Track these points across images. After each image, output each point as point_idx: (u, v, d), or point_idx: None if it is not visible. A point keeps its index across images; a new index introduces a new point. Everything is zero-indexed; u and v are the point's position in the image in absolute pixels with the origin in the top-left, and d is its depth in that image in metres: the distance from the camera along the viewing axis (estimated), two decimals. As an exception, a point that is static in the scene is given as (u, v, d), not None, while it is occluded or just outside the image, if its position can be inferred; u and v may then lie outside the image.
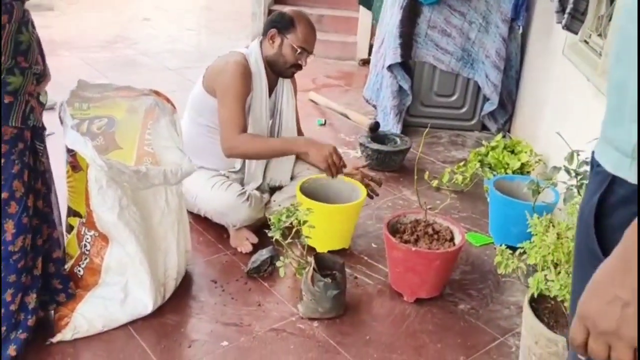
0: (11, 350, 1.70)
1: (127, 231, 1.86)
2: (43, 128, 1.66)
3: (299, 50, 2.32)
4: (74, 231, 1.98)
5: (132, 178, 1.82)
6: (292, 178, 2.57)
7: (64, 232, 1.96)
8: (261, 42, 2.39)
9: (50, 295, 1.84)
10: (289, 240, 1.91)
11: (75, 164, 1.91)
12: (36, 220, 1.69)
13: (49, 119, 3.46)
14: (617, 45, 0.82)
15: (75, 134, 1.80)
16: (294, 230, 1.89)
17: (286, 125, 2.53)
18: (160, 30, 6.01)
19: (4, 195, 1.56)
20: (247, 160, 2.44)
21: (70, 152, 1.91)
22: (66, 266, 1.96)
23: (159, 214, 2.00)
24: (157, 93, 2.09)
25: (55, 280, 1.83)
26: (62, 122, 1.87)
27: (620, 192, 0.79)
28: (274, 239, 1.89)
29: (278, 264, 1.91)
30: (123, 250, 1.92)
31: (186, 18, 6.72)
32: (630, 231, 0.73)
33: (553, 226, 1.80)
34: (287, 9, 2.45)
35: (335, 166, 2.29)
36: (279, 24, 2.33)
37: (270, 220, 1.94)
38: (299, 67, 2.38)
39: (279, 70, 2.40)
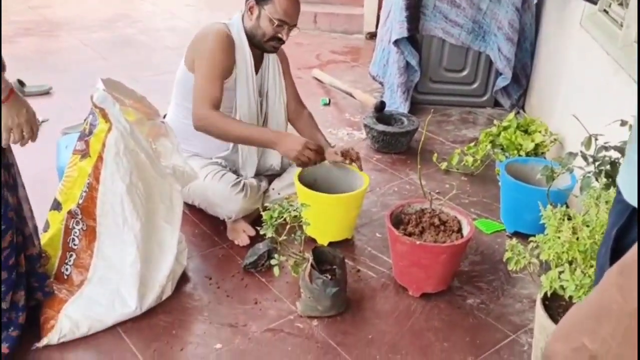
0: (4, 348, 1.67)
1: (130, 208, 1.80)
2: None
3: (276, 23, 2.12)
4: (60, 227, 1.88)
5: (147, 152, 1.82)
6: (290, 163, 2.44)
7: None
8: (243, 15, 2.22)
9: (29, 294, 1.77)
10: (283, 237, 1.79)
11: (85, 150, 1.83)
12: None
13: (43, 105, 3.41)
14: None
15: (104, 93, 1.77)
16: (287, 227, 1.77)
17: (272, 106, 2.35)
18: (161, 7, 5.84)
19: None
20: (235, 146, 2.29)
21: (84, 138, 1.84)
22: (49, 267, 1.88)
23: (164, 210, 1.93)
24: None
25: (32, 278, 1.76)
26: (95, 100, 1.79)
27: None
28: (266, 236, 1.76)
29: (272, 262, 1.79)
30: (116, 241, 1.84)
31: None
32: (609, 276, 0.61)
33: (569, 218, 1.65)
34: None
35: (310, 162, 2.12)
36: None
37: (263, 214, 1.81)
38: (279, 40, 2.18)
39: (259, 44, 2.20)
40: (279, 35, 2.15)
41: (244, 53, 2.20)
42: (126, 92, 1.94)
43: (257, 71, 2.29)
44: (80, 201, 1.82)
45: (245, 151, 2.31)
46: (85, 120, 1.88)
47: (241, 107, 2.24)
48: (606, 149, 1.78)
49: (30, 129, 1.53)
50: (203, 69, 2.12)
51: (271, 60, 2.32)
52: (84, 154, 1.84)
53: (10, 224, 1.58)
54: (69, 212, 1.84)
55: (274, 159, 2.39)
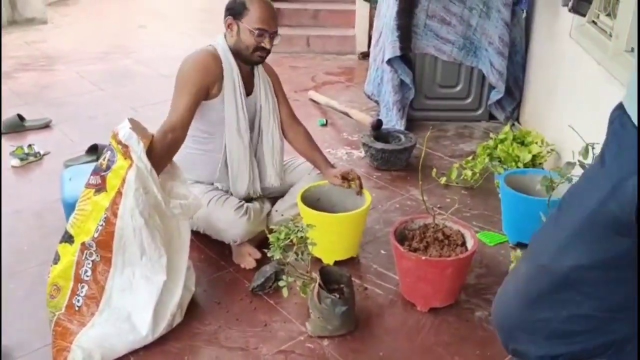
0: None
1: (149, 240, 1.83)
2: None
3: (256, 33, 2.16)
4: (72, 259, 1.89)
5: (161, 191, 1.88)
6: (291, 185, 2.46)
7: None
8: (225, 35, 2.25)
9: None
10: (290, 257, 1.81)
11: (101, 185, 1.86)
12: None
13: (43, 138, 3.44)
14: None
15: (130, 131, 1.84)
16: (295, 247, 1.79)
17: (266, 124, 2.35)
18: (156, 37, 5.92)
19: None
20: (226, 166, 2.30)
21: (100, 173, 1.88)
22: (60, 299, 1.89)
23: (174, 240, 1.95)
24: None
25: None
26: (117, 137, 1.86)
27: None
28: (274, 258, 1.78)
29: (280, 283, 1.81)
30: (131, 272, 1.86)
31: (181, 22, 6.62)
32: None
33: (571, 227, 1.68)
34: None
35: None
36: (232, 10, 2.19)
37: (269, 237, 1.83)
38: (263, 49, 2.21)
39: (245, 58, 2.23)
40: (262, 44, 2.18)
41: (230, 69, 2.22)
42: (139, 128, 1.98)
43: (250, 93, 2.31)
44: (96, 235, 1.83)
45: (235, 168, 2.30)
46: (103, 156, 1.91)
47: (229, 125, 2.24)
48: (603, 157, 1.81)
49: None
50: (176, 90, 2.16)
51: (262, 80, 2.35)
52: (99, 188, 1.86)
53: None
54: (82, 244, 1.86)
55: (271, 177, 2.38)
